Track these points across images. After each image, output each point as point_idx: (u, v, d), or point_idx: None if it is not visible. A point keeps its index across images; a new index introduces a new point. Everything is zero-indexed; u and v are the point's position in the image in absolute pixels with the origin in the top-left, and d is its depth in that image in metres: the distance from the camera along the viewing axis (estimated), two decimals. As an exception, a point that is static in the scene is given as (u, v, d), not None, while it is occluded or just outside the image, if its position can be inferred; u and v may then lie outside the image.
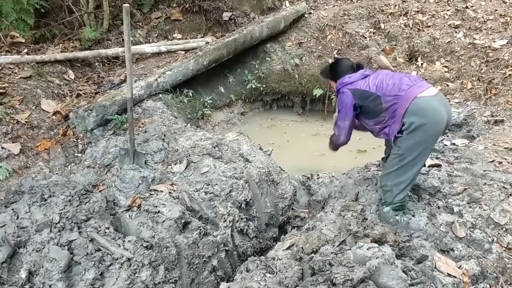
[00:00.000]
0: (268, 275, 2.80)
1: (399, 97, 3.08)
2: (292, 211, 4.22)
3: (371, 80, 3.28)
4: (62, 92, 5.25)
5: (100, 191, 3.73)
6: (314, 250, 3.01)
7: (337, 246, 2.97)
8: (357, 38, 7.05)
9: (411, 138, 3.05)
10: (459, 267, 2.90)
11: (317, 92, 6.85)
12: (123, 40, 5.63)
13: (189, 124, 5.13)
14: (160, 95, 5.51)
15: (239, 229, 3.70)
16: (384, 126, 3.25)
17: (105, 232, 3.16)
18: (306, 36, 7.28)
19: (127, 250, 3.05)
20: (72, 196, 3.32)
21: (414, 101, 3.01)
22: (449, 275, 2.83)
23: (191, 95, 6.03)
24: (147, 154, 4.22)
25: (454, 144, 4.70)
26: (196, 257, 3.31)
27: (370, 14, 7.36)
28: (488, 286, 2.81)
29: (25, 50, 5.64)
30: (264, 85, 7.07)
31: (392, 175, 3.23)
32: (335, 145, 3.61)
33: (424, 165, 3.63)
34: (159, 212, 3.36)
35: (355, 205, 3.56)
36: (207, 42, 6.56)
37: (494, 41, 6.37)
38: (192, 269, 3.29)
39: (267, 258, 3.08)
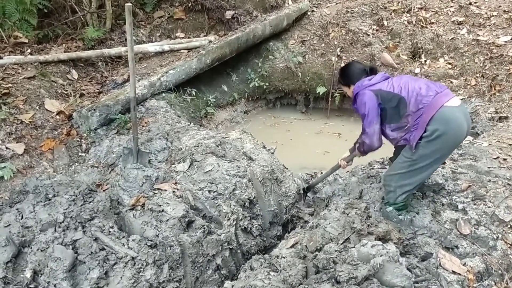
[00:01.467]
0: (272, 273, 2.81)
1: (426, 103, 2.93)
2: (296, 209, 4.21)
3: (395, 81, 3.10)
4: (65, 92, 5.27)
5: (104, 190, 3.74)
6: (318, 248, 3.00)
7: (341, 244, 2.96)
8: (360, 36, 7.03)
9: (430, 146, 2.95)
10: (464, 264, 2.90)
11: (320, 90, 6.85)
12: (126, 39, 5.62)
13: (192, 123, 5.14)
14: (163, 94, 5.51)
15: (243, 227, 3.70)
16: (405, 133, 3.09)
17: (109, 231, 3.17)
18: (309, 34, 7.27)
19: (131, 249, 3.06)
20: (76, 196, 3.33)
21: (441, 109, 2.88)
22: (453, 272, 2.82)
23: (194, 94, 6.04)
24: (151, 153, 4.23)
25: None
26: (200, 256, 3.32)
27: (373, 11, 7.34)
28: (493, 283, 2.80)
29: (29, 50, 5.66)
30: (267, 84, 7.07)
31: (398, 177, 3.17)
32: (366, 152, 3.34)
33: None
34: (163, 211, 3.37)
35: (359, 203, 3.56)
36: (210, 41, 6.56)
37: (498, 37, 6.34)
38: (196, 267, 3.29)
39: (271, 256, 3.09)
